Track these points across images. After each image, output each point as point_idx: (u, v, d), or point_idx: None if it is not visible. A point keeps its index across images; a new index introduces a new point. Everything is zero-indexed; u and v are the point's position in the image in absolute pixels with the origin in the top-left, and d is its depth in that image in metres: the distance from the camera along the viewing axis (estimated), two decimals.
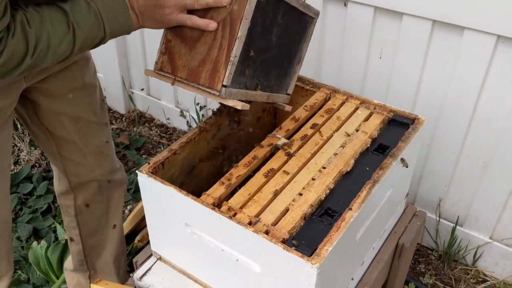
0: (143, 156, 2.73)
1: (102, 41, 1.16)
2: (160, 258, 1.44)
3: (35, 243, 2.11)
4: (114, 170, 1.65)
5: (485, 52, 1.67)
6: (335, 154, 1.35)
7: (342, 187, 1.27)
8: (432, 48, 1.79)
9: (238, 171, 1.31)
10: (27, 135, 2.71)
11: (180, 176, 1.39)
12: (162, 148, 2.78)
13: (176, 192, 1.19)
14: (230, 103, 1.17)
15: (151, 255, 1.45)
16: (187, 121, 2.77)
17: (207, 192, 1.24)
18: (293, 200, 1.21)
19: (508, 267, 2.02)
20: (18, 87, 1.28)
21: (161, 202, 1.27)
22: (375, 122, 1.46)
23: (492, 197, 1.92)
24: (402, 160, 1.34)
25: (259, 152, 1.37)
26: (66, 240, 2.03)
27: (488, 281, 2.06)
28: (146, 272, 1.41)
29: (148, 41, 2.70)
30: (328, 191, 1.24)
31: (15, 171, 2.55)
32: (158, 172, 1.29)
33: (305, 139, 1.41)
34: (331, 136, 1.42)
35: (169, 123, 2.93)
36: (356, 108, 1.53)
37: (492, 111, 1.76)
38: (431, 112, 1.88)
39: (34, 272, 2.06)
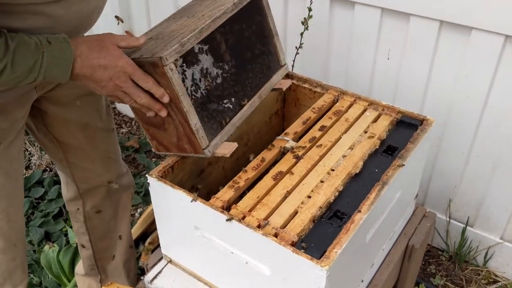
0: (153, 159, 2.74)
1: (26, 83, 1.07)
2: (170, 261, 1.44)
3: (46, 246, 2.13)
4: (122, 175, 1.66)
5: (493, 52, 1.66)
6: (344, 156, 1.35)
7: (351, 189, 1.27)
8: (440, 49, 1.78)
9: (247, 174, 1.31)
10: None
11: (189, 179, 1.40)
12: None
13: (186, 196, 1.20)
14: (220, 154, 1.28)
15: (161, 258, 1.46)
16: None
17: (216, 195, 1.25)
18: (302, 203, 1.21)
19: None
20: (30, 97, 1.29)
21: (171, 205, 1.28)
22: (384, 123, 1.46)
23: (502, 197, 1.91)
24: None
25: (268, 155, 1.38)
26: (77, 244, 2.05)
27: (499, 281, 2.04)
28: (157, 275, 1.42)
29: None
30: (337, 193, 1.24)
31: (27, 175, 2.58)
32: (167, 175, 1.30)
33: (314, 141, 1.41)
34: (340, 138, 1.42)
35: None
36: (365, 110, 1.53)
37: (501, 111, 1.75)
38: (440, 112, 1.88)
39: (46, 275, 2.08)
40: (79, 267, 1.83)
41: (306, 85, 1.64)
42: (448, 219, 2.09)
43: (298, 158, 1.35)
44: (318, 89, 1.63)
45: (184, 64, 1.19)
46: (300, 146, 1.39)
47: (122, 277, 1.80)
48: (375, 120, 1.49)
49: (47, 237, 2.30)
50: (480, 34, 1.65)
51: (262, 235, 1.09)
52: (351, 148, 1.38)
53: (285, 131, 1.47)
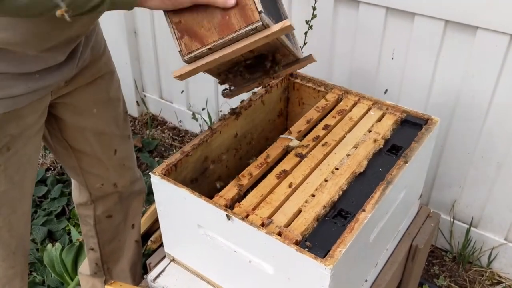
0: (156, 158, 2.74)
1: (98, 6, 0.97)
2: (173, 260, 1.44)
3: (49, 245, 2.14)
4: (135, 181, 1.64)
5: (498, 51, 1.65)
6: (348, 155, 1.35)
7: (355, 188, 1.26)
8: (445, 48, 1.77)
9: (250, 172, 1.31)
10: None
11: (192, 178, 1.40)
12: (175, 150, 2.79)
13: (189, 194, 1.20)
14: (276, 27, 1.06)
15: (164, 256, 1.46)
16: (199, 124, 2.78)
17: (219, 193, 1.24)
18: (306, 202, 1.21)
19: None
20: (44, 102, 1.26)
21: (174, 204, 1.27)
22: (388, 123, 1.46)
23: (506, 198, 1.90)
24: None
25: (271, 153, 1.38)
26: (80, 242, 2.05)
27: (503, 282, 2.03)
28: (160, 273, 1.42)
29: (160, 45, 2.72)
30: (341, 192, 1.24)
31: None
32: (171, 174, 1.30)
33: (317, 140, 1.41)
34: (344, 137, 1.42)
35: (181, 126, 2.94)
36: (369, 109, 1.52)
37: (506, 111, 1.74)
38: (444, 112, 1.87)
39: (49, 274, 2.08)
40: (84, 267, 1.82)
41: (309, 84, 1.64)
42: (452, 219, 2.08)
43: (302, 157, 1.35)
44: (322, 88, 1.62)
45: None
46: (304, 145, 1.39)
47: (128, 281, 1.79)
48: (379, 120, 1.48)
49: (50, 235, 2.30)
50: (485, 33, 1.64)
51: (265, 233, 1.09)
52: (355, 147, 1.38)
53: (288, 130, 1.47)
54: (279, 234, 1.12)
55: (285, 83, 1.66)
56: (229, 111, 1.48)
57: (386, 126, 1.44)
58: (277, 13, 1.23)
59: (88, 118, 1.41)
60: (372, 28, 1.89)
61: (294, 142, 1.40)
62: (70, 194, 2.38)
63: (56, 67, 1.20)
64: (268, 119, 1.65)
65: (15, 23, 1.02)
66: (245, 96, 1.46)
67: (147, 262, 1.49)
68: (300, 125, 1.49)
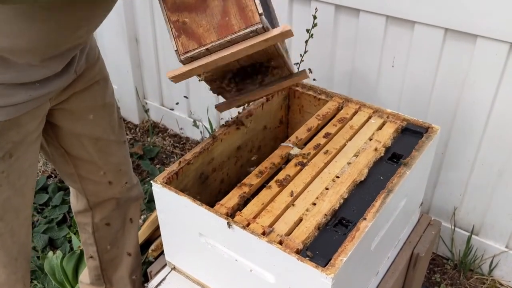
0: (157, 166, 2.74)
1: None
2: (174, 268, 1.44)
3: (50, 253, 2.13)
4: (132, 187, 1.65)
5: (498, 59, 1.66)
6: (349, 163, 1.35)
7: (356, 197, 1.26)
8: (445, 56, 1.78)
9: (251, 181, 1.31)
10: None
11: (193, 186, 1.40)
12: (176, 158, 2.79)
13: (190, 202, 1.20)
14: (276, 31, 1.05)
15: (165, 265, 1.46)
16: (200, 131, 2.78)
17: (220, 202, 1.25)
18: (307, 210, 1.21)
19: None
20: (43, 109, 1.28)
21: (175, 212, 1.28)
22: (389, 131, 1.46)
23: (507, 206, 1.90)
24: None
25: (272, 161, 1.38)
26: (81, 250, 2.04)
27: None
28: (161, 282, 1.42)
29: (161, 52, 2.73)
30: (342, 201, 1.24)
31: None
32: (172, 182, 1.30)
33: (318, 148, 1.41)
34: (344, 145, 1.42)
35: (182, 133, 2.94)
36: (369, 117, 1.52)
37: (507, 118, 1.74)
38: (445, 120, 1.87)
39: (50, 282, 2.08)
40: (84, 276, 1.83)
41: (310, 92, 1.64)
42: (453, 227, 2.07)
43: (302, 165, 1.35)
44: (323, 96, 1.63)
45: None
46: (305, 153, 1.39)
47: (127, 287, 1.79)
48: (380, 128, 1.48)
49: (51, 243, 2.30)
50: (485, 41, 1.65)
51: (267, 242, 1.09)
52: (356, 155, 1.38)
53: (289, 138, 1.47)
54: (280, 242, 1.12)
55: (285, 91, 1.67)
56: (231, 119, 1.48)
57: (387, 134, 1.45)
58: (271, 23, 1.21)
59: (84, 124, 1.42)
60: (372, 36, 1.89)
61: (295, 150, 1.41)
62: None
63: (55, 75, 1.22)
64: (269, 127, 1.65)
65: (27, 31, 1.04)
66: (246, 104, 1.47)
67: (148, 270, 1.49)
68: (301, 133, 1.49)
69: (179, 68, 1.10)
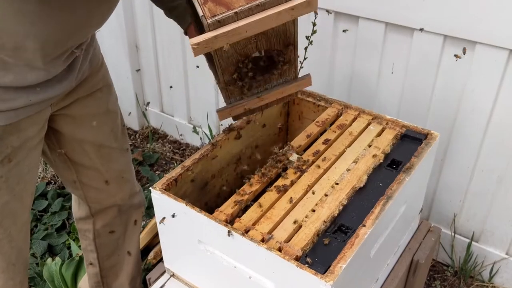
0: (157, 172, 2.74)
1: None
2: (173, 275, 1.44)
3: (49, 259, 2.13)
4: (134, 194, 1.65)
5: (497, 66, 1.66)
6: (348, 169, 1.35)
7: (355, 203, 1.26)
8: (444, 63, 1.78)
9: (251, 187, 1.31)
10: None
11: (193, 192, 1.40)
12: (175, 164, 2.79)
13: (189, 209, 1.20)
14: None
15: (164, 272, 1.45)
16: (200, 138, 2.78)
17: (219, 208, 1.24)
18: (306, 217, 1.21)
19: None
20: (44, 114, 1.28)
21: (174, 218, 1.27)
22: (388, 137, 1.46)
23: (507, 212, 1.89)
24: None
25: (272, 168, 1.38)
26: (80, 257, 2.04)
27: None
28: None
29: (161, 59, 2.73)
30: (341, 207, 1.24)
31: None
32: (171, 188, 1.30)
33: (318, 154, 1.41)
34: (344, 151, 1.42)
35: (182, 139, 2.94)
36: (368, 124, 1.53)
37: (506, 125, 1.74)
38: (444, 126, 1.87)
39: None
40: (84, 283, 1.82)
41: (310, 99, 1.64)
42: (453, 233, 2.07)
43: (302, 172, 1.35)
44: (322, 103, 1.63)
45: None
46: (304, 160, 1.39)
47: None
48: (379, 134, 1.49)
49: (50, 250, 2.29)
50: (484, 48, 1.65)
51: (266, 249, 1.09)
52: (355, 162, 1.38)
53: (289, 144, 1.47)
54: (279, 249, 1.11)
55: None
56: (230, 125, 1.48)
57: (386, 140, 1.45)
58: None
59: (87, 130, 1.42)
60: (371, 43, 1.90)
61: (294, 157, 1.41)
62: (70, 208, 2.38)
63: (57, 80, 1.22)
64: (268, 134, 1.65)
65: (34, 30, 1.04)
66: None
67: (147, 277, 1.49)
68: (300, 139, 1.49)
69: (203, 35, 1.06)
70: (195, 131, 2.75)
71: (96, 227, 1.63)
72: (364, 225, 1.15)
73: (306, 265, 1.06)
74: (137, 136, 3.03)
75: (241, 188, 1.31)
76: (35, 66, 1.13)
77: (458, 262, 2.11)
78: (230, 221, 1.21)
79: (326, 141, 1.46)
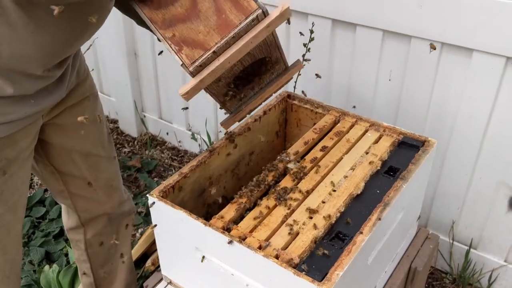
0: (155, 179, 2.74)
1: None
2: (170, 282, 1.43)
3: (47, 267, 2.12)
4: (123, 202, 1.65)
5: (494, 73, 1.66)
6: (345, 176, 1.35)
7: (352, 210, 1.26)
8: (441, 70, 1.79)
9: (248, 194, 1.31)
10: None
11: (190, 199, 1.40)
12: (174, 170, 2.79)
13: (186, 216, 1.20)
14: (276, 12, 1.04)
15: (161, 279, 1.45)
16: (199, 144, 2.78)
17: (216, 215, 1.24)
18: (303, 224, 1.21)
19: None
20: (37, 125, 1.29)
21: (172, 225, 1.27)
22: (385, 144, 1.46)
23: (506, 219, 1.89)
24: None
25: (269, 175, 1.38)
26: (78, 271, 2.03)
27: None
28: None
29: (160, 66, 2.74)
30: (338, 214, 1.24)
31: (29, 195, 2.57)
32: (168, 195, 1.30)
33: (315, 161, 1.41)
34: (341, 158, 1.42)
35: (180, 146, 2.94)
36: (366, 131, 1.53)
37: (504, 132, 1.75)
38: (442, 133, 1.88)
39: None
40: None
41: (307, 106, 1.65)
42: (451, 241, 2.07)
43: (299, 178, 1.35)
44: (320, 110, 1.63)
45: None
46: (302, 166, 1.39)
47: None
48: (376, 141, 1.49)
49: (48, 257, 2.28)
50: (481, 55, 1.66)
51: (263, 256, 1.09)
52: (352, 168, 1.38)
53: (286, 151, 1.47)
54: (276, 257, 1.11)
55: (283, 105, 1.67)
56: (228, 132, 1.49)
57: (383, 147, 1.45)
58: None
59: (75, 139, 1.43)
60: (369, 50, 1.90)
61: (292, 164, 1.41)
62: None
63: (48, 91, 1.23)
64: (266, 141, 1.65)
65: (37, 38, 1.05)
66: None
67: (144, 284, 1.48)
68: (298, 146, 1.49)
69: (190, 82, 1.09)
70: (193, 138, 2.75)
71: (87, 237, 1.63)
72: (361, 232, 1.15)
73: (303, 272, 1.06)
74: (135, 142, 3.03)
75: (239, 195, 1.31)
76: (36, 74, 1.13)
77: (457, 270, 2.11)
78: (227, 228, 1.21)
79: (323, 148, 1.46)
